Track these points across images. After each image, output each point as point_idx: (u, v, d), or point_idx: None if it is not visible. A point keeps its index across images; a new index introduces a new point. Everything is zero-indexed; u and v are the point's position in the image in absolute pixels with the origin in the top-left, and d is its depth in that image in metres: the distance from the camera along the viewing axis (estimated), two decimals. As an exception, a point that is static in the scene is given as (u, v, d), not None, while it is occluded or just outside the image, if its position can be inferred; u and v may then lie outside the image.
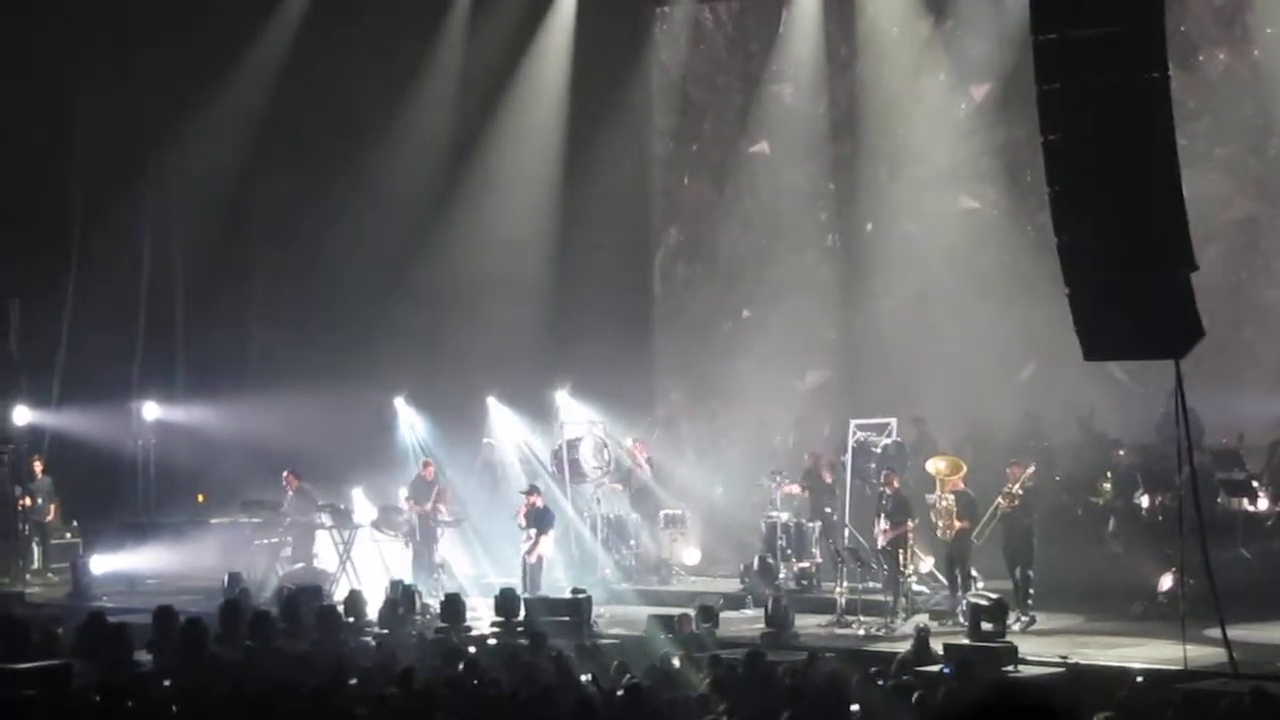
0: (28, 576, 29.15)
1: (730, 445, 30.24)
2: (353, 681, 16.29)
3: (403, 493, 27.32)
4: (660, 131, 32.23)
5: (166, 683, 17.08)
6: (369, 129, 31.16)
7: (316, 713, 14.59)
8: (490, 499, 27.94)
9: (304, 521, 27.13)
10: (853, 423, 26.26)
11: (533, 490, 25.82)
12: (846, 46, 29.90)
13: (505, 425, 29.23)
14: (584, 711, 14.68)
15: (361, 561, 26.57)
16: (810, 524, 25.33)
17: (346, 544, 26.60)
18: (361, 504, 27.47)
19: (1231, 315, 26.42)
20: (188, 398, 31.98)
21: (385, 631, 21.68)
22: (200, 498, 30.48)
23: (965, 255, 28.67)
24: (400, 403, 29.29)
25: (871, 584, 23.31)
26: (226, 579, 24.77)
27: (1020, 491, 22.53)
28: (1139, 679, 17.49)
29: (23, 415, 30.56)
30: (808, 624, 22.40)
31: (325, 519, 26.97)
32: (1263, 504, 23.57)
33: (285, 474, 27.63)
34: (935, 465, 23.30)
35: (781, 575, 24.79)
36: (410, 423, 29.23)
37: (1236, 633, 18.64)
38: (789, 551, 25.07)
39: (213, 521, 28.08)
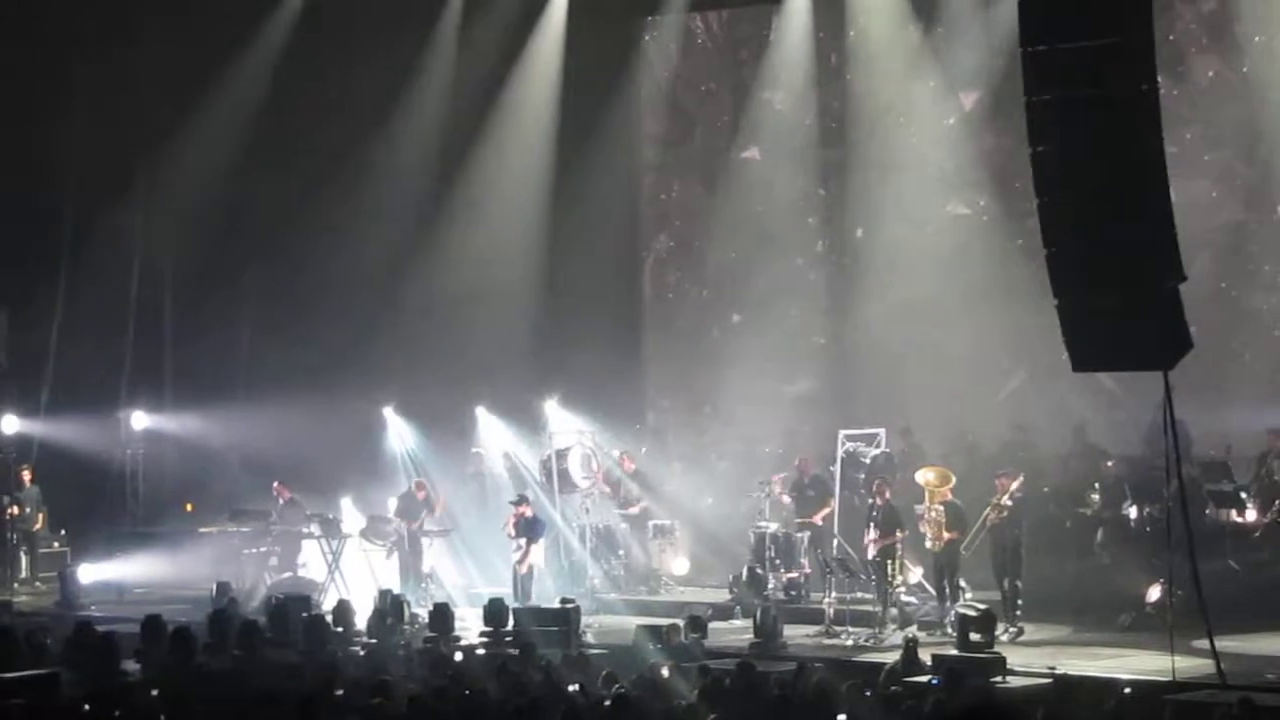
0: (15, 585, 29.11)
1: (719, 456, 30.28)
2: (340, 692, 16.26)
3: (392, 504, 27.32)
4: (650, 139, 32.27)
5: (154, 692, 17.04)
6: (358, 139, 31.13)
7: (304, 722, 14.57)
8: (479, 509, 27.93)
9: (291, 531, 27.13)
10: (841, 433, 26.27)
11: (522, 501, 25.82)
12: (837, 54, 29.96)
13: (494, 435, 29.23)
14: (572, 721, 14.67)
15: (350, 571, 26.55)
16: (799, 534, 25.33)
17: (335, 554, 26.59)
18: (350, 514, 27.46)
19: (1220, 325, 26.46)
20: (176, 407, 31.98)
21: (373, 641, 21.66)
22: (188, 507, 30.47)
23: (955, 262, 28.71)
24: (389, 412, 29.28)
25: (860, 594, 23.30)
26: (215, 588, 24.76)
27: (1009, 502, 22.53)
28: (1127, 690, 17.49)
29: (11, 424, 30.53)
30: (796, 634, 22.39)
31: (314, 529, 26.96)
32: (1250, 515, 23.59)
33: (275, 484, 27.63)
34: (924, 476, 23.30)
35: (770, 585, 24.79)
36: (399, 433, 29.23)
37: (1224, 643, 18.63)
38: (777, 562, 25.07)
39: (201, 531, 28.04)
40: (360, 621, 22.41)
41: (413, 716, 14.81)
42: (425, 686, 16.62)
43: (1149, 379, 19.38)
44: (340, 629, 21.93)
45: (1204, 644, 18.50)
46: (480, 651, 21.18)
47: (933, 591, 23.10)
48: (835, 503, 25.62)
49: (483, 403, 29.23)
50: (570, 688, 16.59)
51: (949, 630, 21.26)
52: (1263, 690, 17.26)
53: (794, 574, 25.05)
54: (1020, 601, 22.24)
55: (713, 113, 31.67)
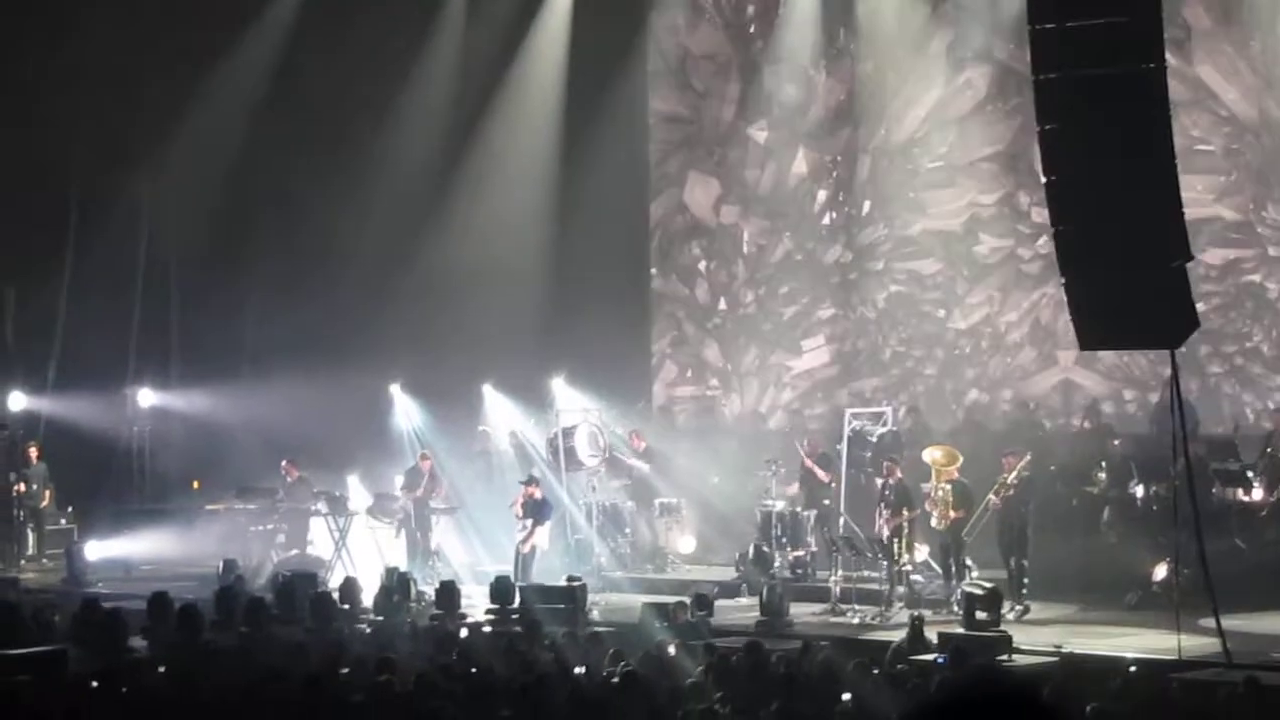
0: (23, 562, 29.17)
1: (726, 435, 30.28)
2: (344, 671, 16.28)
3: (399, 480, 27.35)
4: (657, 115, 32.22)
5: (161, 669, 17.07)
6: (366, 116, 31.12)
7: (311, 699, 14.59)
8: (485, 487, 27.94)
9: (299, 508, 27.16)
10: (848, 411, 26.25)
11: (531, 481, 25.83)
12: (846, 30, 29.91)
13: (501, 413, 29.24)
14: (578, 699, 14.68)
15: (356, 549, 26.58)
16: (805, 513, 25.34)
17: (342, 531, 26.61)
18: (357, 491, 27.48)
19: (1226, 303, 26.43)
20: (183, 384, 32.01)
21: (380, 619, 21.68)
22: (195, 484, 30.51)
23: (963, 240, 28.71)
24: (396, 390, 29.30)
25: (867, 572, 23.31)
26: (221, 565, 24.81)
27: (1015, 481, 22.53)
28: (1132, 668, 17.48)
29: (18, 401, 30.57)
30: (802, 613, 22.40)
31: (321, 506, 26.98)
32: (1257, 494, 23.56)
33: (284, 462, 27.65)
34: (931, 455, 23.31)
35: (777, 564, 24.79)
36: (406, 410, 29.24)
37: (1230, 622, 18.65)
38: (784, 540, 25.07)
39: (208, 508, 28.07)
40: (367, 599, 22.44)
41: (419, 694, 14.82)
42: (431, 664, 16.64)
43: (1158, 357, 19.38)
44: (347, 606, 21.94)
45: (1210, 623, 18.52)
46: (486, 629, 21.20)
47: (939, 570, 23.12)
48: (841, 481, 25.62)
49: (489, 380, 29.23)
50: (576, 666, 16.61)
51: (955, 609, 21.27)
52: (1268, 669, 17.26)
53: (800, 552, 25.06)
54: (1026, 580, 22.25)
55: (721, 89, 31.61)
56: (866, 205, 30.03)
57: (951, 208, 28.95)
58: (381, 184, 31.06)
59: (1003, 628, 19.78)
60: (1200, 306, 18.22)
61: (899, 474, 23.21)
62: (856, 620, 22.12)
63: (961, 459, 23.13)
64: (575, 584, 22.51)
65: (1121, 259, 17.89)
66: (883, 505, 23.13)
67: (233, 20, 30.77)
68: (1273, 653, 18.71)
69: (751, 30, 31.25)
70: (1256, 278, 26.48)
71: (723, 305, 31.64)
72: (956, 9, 28.57)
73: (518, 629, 20.15)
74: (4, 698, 14.39)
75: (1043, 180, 18.48)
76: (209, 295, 31.93)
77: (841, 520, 25.18)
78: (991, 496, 22.63)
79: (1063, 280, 18.25)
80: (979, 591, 20.24)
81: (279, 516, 27.23)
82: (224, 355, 31.79)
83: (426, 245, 30.78)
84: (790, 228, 30.76)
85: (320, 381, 28.59)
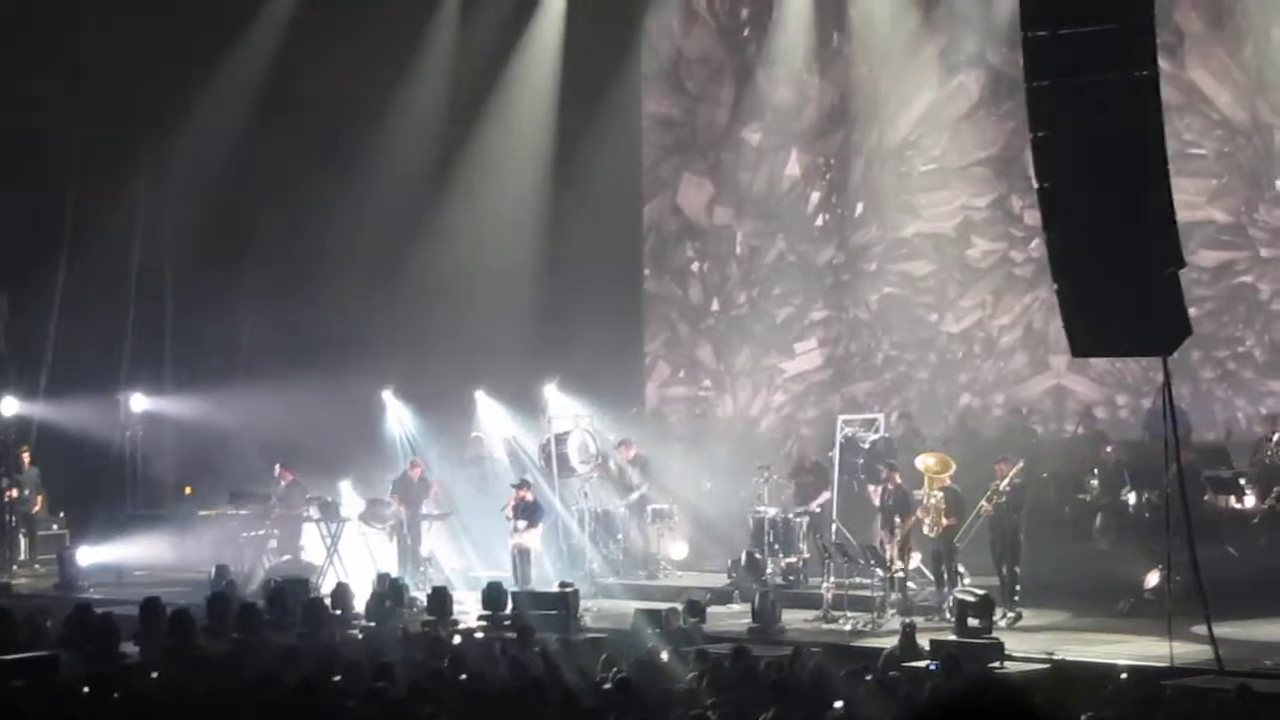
0: (14, 567, 29.14)
1: (718, 439, 30.30)
2: (337, 678, 16.25)
3: (388, 488, 27.32)
4: (651, 119, 32.27)
5: (153, 674, 17.05)
6: (359, 119, 31.12)
7: (303, 705, 14.58)
8: (478, 493, 27.94)
9: (291, 514, 27.14)
10: (840, 418, 26.26)
11: (523, 485, 25.84)
12: (839, 34, 29.98)
13: (494, 419, 29.22)
14: (570, 705, 14.68)
15: (349, 554, 26.56)
16: (798, 519, 25.34)
17: (334, 537, 26.59)
18: (349, 497, 27.46)
19: (1219, 308, 26.47)
20: (176, 390, 32.00)
21: (372, 624, 21.67)
22: (188, 490, 30.49)
23: (956, 243, 28.76)
24: (388, 396, 29.28)
25: (859, 579, 23.31)
26: (213, 571, 24.78)
27: (1007, 488, 22.54)
28: (1124, 675, 17.51)
29: (10, 406, 30.54)
30: (794, 619, 22.40)
31: (313, 512, 26.97)
32: (1249, 501, 23.59)
33: (278, 467, 27.65)
34: (924, 462, 23.32)
35: (769, 570, 24.79)
36: (398, 416, 29.22)
37: (1222, 630, 18.65)
38: (776, 547, 25.06)
39: (200, 513, 28.06)
40: (359, 605, 22.42)
41: (411, 700, 14.81)
42: (423, 670, 16.63)
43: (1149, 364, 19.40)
44: (339, 612, 21.94)
45: (1202, 630, 18.52)
46: (479, 635, 21.19)
47: (931, 577, 23.12)
48: (834, 489, 25.63)
49: (482, 386, 29.22)
50: (568, 672, 16.60)
51: (947, 616, 21.26)
52: (1260, 677, 17.28)
53: (792, 559, 25.05)
54: (1018, 587, 22.25)
55: (714, 92, 31.68)
56: (859, 207, 30.10)
57: (944, 210, 29.01)
58: (375, 188, 31.06)
59: (995, 635, 19.77)
60: (1193, 311, 18.26)
61: (898, 479, 23.22)
62: (849, 627, 22.11)
63: (954, 466, 23.14)
64: (568, 590, 22.50)
65: (1114, 266, 17.90)
66: (883, 513, 23.17)
67: (227, 25, 30.77)
68: (1265, 660, 18.72)
69: (745, 33, 31.32)
70: (1248, 279, 26.53)
71: (716, 306, 31.70)
72: (949, 14, 28.63)
73: (510, 635, 20.13)
74: (-4, 703, 14.37)
75: (1035, 186, 18.49)
76: (203, 300, 31.92)
77: (834, 527, 25.17)
78: (984, 503, 22.64)
79: (1055, 287, 18.27)
80: (971, 598, 20.24)
81: (271, 522, 27.21)
82: (217, 360, 31.79)
83: (420, 250, 30.80)
84: (783, 229, 30.84)
85: (313, 387, 28.59)
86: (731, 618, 22.93)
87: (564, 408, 28.29)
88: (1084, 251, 18.04)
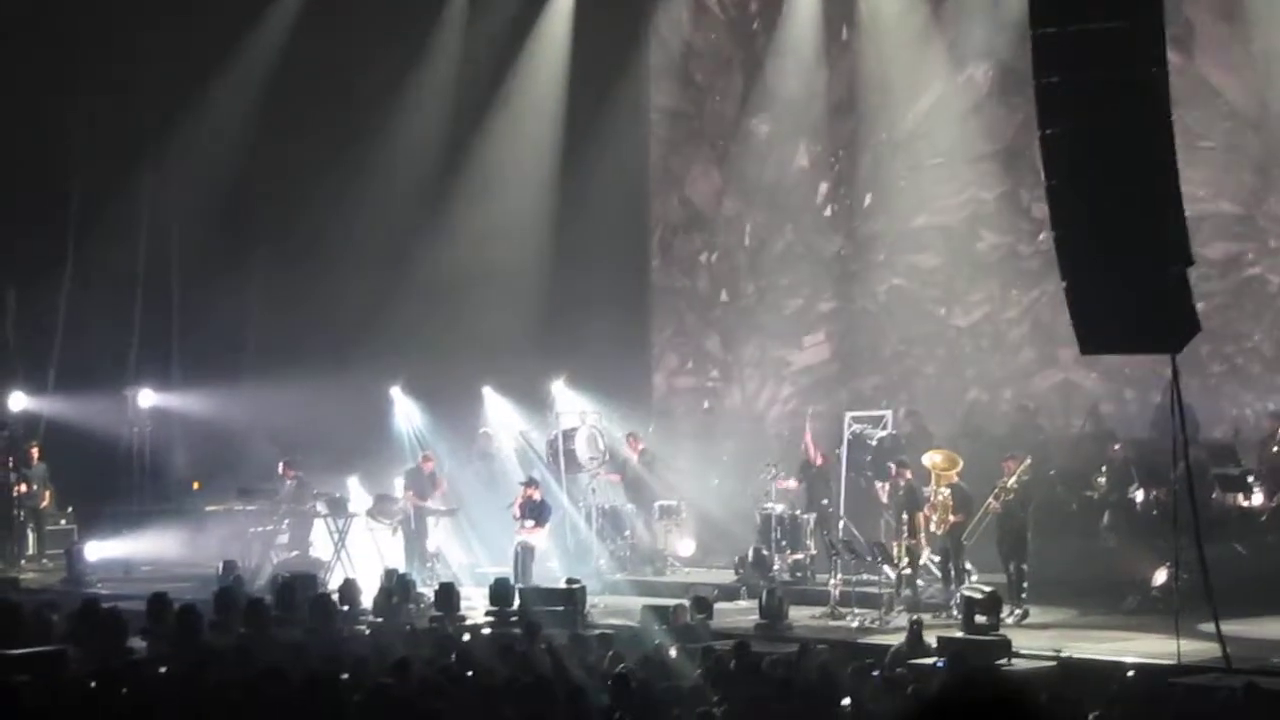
0: (22, 562, 29.21)
1: (725, 436, 30.29)
2: (345, 676, 16.25)
3: (399, 482, 27.34)
4: (660, 110, 32.27)
5: (161, 669, 17.06)
6: (367, 116, 31.13)
7: (310, 700, 14.58)
8: (486, 489, 27.94)
9: (300, 510, 27.16)
10: (848, 415, 26.24)
11: (531, 483, 25.85)
12: (848, 26, 29.99)
13: (501, 415, 29.23)
14: (578, 702, 14.68)
15: (356, 550, 26.58)
16: (805, 516, 25.34)
17: (341, 532, 26.61)
18: (357, 493, 27.48)
19: (1227, 301, 26.39)
20: (184, 385, 32.03)
21: (379, 620, 21.68)
22: (196, 485, 30.52)
23: (964, 235, 28.73)
24: (396, 392, 29.28)
25: (866, 576, 23.31)
26: (221, 566, 24.82)
27: (1015, 485, 22.53)
28: (1131, 673, 17.49)
29: (18, 401, 30.60)
30: (801, 616, 22.40)
31: (320, 507, 26.99)
32: (1258, 499, 23.56)
33: (281, 465, 27.66)
34: (931, 459, 23.31)
35: (776, 567, 24.80)
36: (406, 412, 29.23)
37: (1230, 627, 18.61)
38: (784, 543, 25.08)
39: (208, 509, 28.08)
40: (366, 600, 22.43)
41: (418, 696, 14.81)
42: (431, 666, 16.63)
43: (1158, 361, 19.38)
44: (346, 608, 21.94)
45: (1210, 628, 18.49)
46: (486, 631, 21.20)
47: (938, 574, 23.11)
48: (841, 486, 25.62)
49: (490, 382, 29.22)
50: (576, 668, 16.61)
51: (954, 613, 21.25)
52: (1268, 674, 17.24)
53: (800, 555, 25.06)
54: (1026, 584, 22.25)
55: (724, 84, 31.70)
56: (868, 199, 30.11)
57: (952, 203, 28.98)
58: (383, 183, 31.08)
59: (1002, 632, 19.75)
60: (1200, 306, 18.20)
61: (909, 475, 23.22)
62: (856, 624, 22.11)
63: (961, 463, 23.13)
64: (575, 586, 22.51)
65: (1122, 264, 17.87)
66: (893, 510, 23.18)
67: (235, 22, 30.78)
68: (1272, 658, 18.68)
69: (754, 25, 31.33)
70: (1257, 271, 26.48)
71: (724, 297, 31.70)
72: (958, 7, 28.61)
73: (517, 631, 20.14)
74: (3, 698, 14.37)
75: (1044, 182, 18.47)
76: (210, 296, 31.94)
77: (841, 523, 25.16)
78: (991, 500, 22.63)
79: (1064, 284, 18.24)
80: (978, 595, 20.22)
81: (279, 517, 27.24)
82: (225, 356, 31.80)
83: (428, 245, 30.80)
84: (792, 221, 30.85)
85: (321, 383, 28.60)
86: (739, 614, 22.92)
87: (571, 403, 28.31)
88: (1092, 249, 18.01)
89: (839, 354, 30.27)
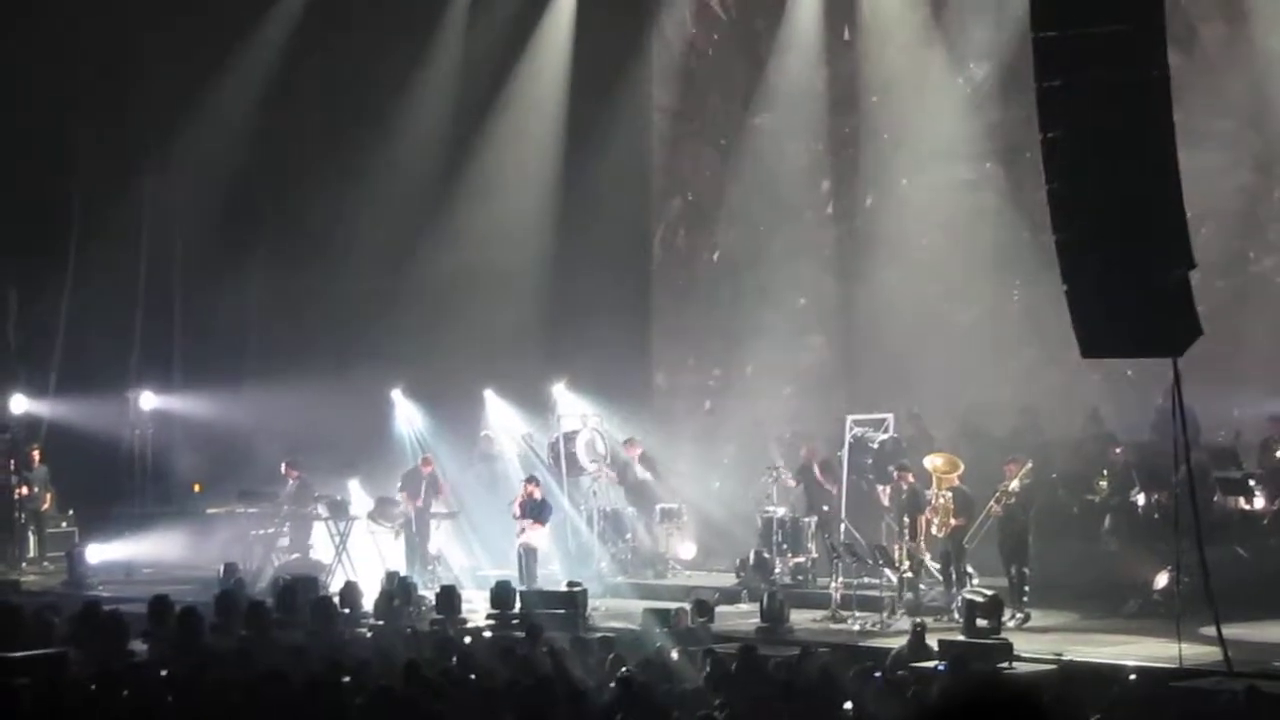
0: (23, 565, 29.22)
1: (727, 438, 30.28)
2: (346, 680, 16.25)
3: (398, 485, 27.34)
4: (662, 108, 32.28)
5: (162, 672, 17.06)
6: (369, 119, 31.13)
7: (311, 703, 14.58)
8: (487, 492, 27.95)
9: (301, 512, 27.16)
10: (849, 418, 26.24)
11: (531, 480, 25.85)
12: (850, 25, 30.02)
13: (503, 418, 29.23)
14: (579, 704, 14.68)
15: (357, 553, 26.58)
16: (806, 519, 25.34)
17: (342, 535, 26.61)
18: (358, 495, 27.48)
19: (1229, 300, 26.34)
20: (185, 388, 32.02)
21: (380, 623, 21.68)
22: (197, 487, 30.52)
23: (964, 232, 28.70)
24: (398, 395, 29.28)
25: (868, 579, 23.30)
26: (222, 569, 24.81)
27: (1016, 489, 22.52)
28: (1132, 676, 17.48)
29: (19, 404, 30.61)
30: (803, 619, 22.39)
31: (321, 510, 26.99)
32: (1259, 502, 23.55)
33: (284, 465, 27.66)
34: (933, 462, 23.31)
35: (777, 570, 24.80)
36: (407, 415, 29.23)
37: (1232, 631, 18.61)
38: (785, 546, 25.07)
39: (209, 511, 28.09)
40: (367, 603, 22.43)
41: (420, 699, 14.81)
42: (432, 669, 16.63)
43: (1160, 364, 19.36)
44: (347, 610, 21.94)
45: (1211, 631, 18.48)
46: (487, 634, 21.20)
47: (939, 577, 23.10)
48: (843, 488, 25.62)
49: (491, 385, 29.22)
50: (577, 671, 16.60)
51: (956, 616, 21.25)
52: (1269, 678, 17.24)
53: (801, 559, 25.06)
54: (1027, 588, 22.24)
55: (726, 82, 31.73)
56: (869, 198, 30.11)
57: (953, 202, 28.96)
58: (384, 186, 31.08)
59: (1003, 635, 19.76)
60: (1201, 309, 18.19)
61: (910, 479, 23.22)
62: (857, 627, 22.10)
63: (962, 466, 23.12)
64: (576, 589, 22.51)
65: (1124, 267, 17.87)
66: (895, 513, 23.18)
67: (237, 21, 30.77)
68: (1274, 661, 18.68)
69: (756, 24, 31.34)
70: (1259, 268, 26.47)
71: (725, 294, 31.67)
72: (959, 5, 28.63)
73: (518, 634, 20.14)
74: (4, 699, 14.37)
75: (1043, 177, 18.46)
76: (212, 299, 31.95)
77: (842, 527, 25.16)
78: (992, 504, 22.63)
79: (1065, 288, 18.23)
80: (979, 599, 20.23)
81: (280, 520, 27.24)
82: (226, 359, 31.80)
83: (430, 250, 30.78)
84: (794, 219, 30.83)
85: (322, 385, 28.62)
86: (740, 617, 22.91)
87: (573, 406, 28.30)
88: (1094, 252, 18.00)
89: (840, 352, 30.25)
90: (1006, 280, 28.38)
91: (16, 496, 29.56)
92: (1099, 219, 17.93)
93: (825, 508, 25.55)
